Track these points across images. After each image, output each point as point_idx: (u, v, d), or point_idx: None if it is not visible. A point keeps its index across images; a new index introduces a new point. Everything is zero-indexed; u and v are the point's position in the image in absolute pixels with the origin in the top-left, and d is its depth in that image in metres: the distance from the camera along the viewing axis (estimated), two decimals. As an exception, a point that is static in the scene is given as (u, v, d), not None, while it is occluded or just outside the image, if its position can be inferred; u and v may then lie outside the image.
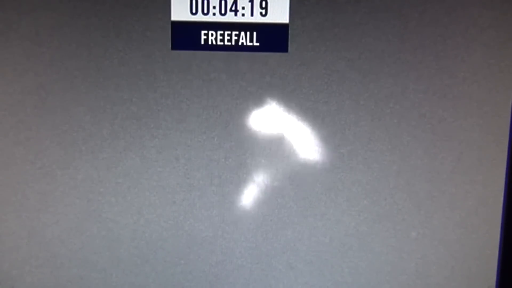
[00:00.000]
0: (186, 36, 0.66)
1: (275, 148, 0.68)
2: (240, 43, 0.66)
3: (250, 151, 0.68)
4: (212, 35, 0.66)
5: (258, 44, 0.66)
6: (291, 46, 0.66)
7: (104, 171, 0.68)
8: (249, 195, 0.69)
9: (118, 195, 0.69)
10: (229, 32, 0.66)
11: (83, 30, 0.65)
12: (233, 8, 0.65)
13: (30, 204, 0.69)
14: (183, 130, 0.68)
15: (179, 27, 0.65)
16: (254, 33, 0.66)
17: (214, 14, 0.66)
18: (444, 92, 0.67)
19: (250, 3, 0.65)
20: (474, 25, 0.65)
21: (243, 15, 0.66)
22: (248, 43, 0.66)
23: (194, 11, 0.66)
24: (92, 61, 0.66)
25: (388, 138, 0.68)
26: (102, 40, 0.66)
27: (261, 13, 0.66)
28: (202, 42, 0.66)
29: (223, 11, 0.66)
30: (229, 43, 0.66)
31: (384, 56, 0.66)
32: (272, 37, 0.65)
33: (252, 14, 0.66)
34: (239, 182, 0.69)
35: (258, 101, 0.67)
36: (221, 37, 0.66)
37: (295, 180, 0.69)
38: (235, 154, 0.68)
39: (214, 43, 0.66)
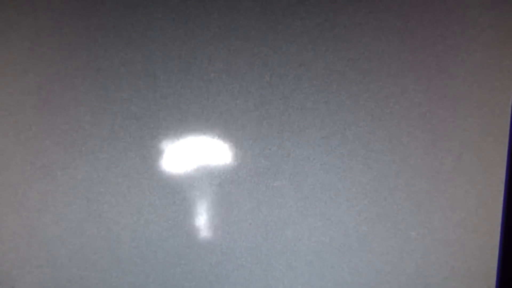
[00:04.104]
0: None
1: (275, 149, 0.68)
2: None
3: (250, 151, 0.68)
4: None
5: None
6: (291, 46, 0.66)
7: (104, 171, 0.68)
8: (249, 195, 0.69)
9: (118, 195, 0.69)
10: None
11: (83, 30, 0.65)
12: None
13: (30, 204, 0.69)
14: (183, 130, 0.68)
15: None
16: None
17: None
18: (444, 92, 0.67)
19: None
20: (474, 25, 0.65)
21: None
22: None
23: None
24: (92, 61, 0.66)
25: (388, 138, 0.68)
26: (102, 40, 0.66)
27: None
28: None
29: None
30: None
31: (384, 56, 0.66)
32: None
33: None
34: (239, 182, 0.69)
35: (258, 101, 0.67)
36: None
37: (295, 180, 0.68)
38: (235, 154, 0.68)
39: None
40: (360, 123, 0.67)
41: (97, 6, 0.65)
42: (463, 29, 0.65)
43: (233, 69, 0.66)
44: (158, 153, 0.68)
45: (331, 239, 0.70)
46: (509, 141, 0.67)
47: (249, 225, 0.70)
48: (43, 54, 0.65)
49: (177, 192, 0.69)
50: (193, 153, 0.68)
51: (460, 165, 0.68)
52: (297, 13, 0.65)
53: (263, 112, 0.67)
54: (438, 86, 0.67)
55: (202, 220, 0.69)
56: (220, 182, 0.69)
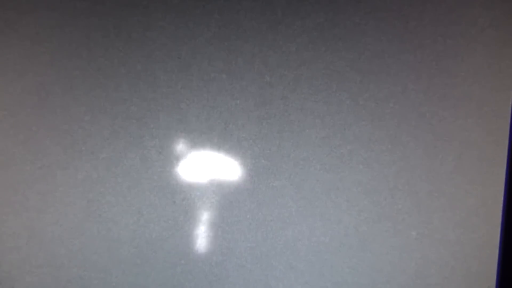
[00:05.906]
0: None
1: (275, 149, 0.68)
2: None
3: (250, 151, 0.68)
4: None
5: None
6: (291, 46, 0.66)
7: (104, 171, 0.68)
8: (249, 195, 0.69)
9: (118, 195, 0.69)
10: None
11: (83, 30, 0.65)
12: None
13: (30, 204, 0.69)
14: (183, 130, 0.68)
15: None
16: None
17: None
18: (444, 92, 0.67)
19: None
20: (474, 25, 0.65)
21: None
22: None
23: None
24: (92, 61, 0.66)
25: (388, 138, 0.68)
26: (102, 40, 0.66)
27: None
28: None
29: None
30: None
31: (384, 56, 0.66)
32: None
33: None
34: (239, 182, 0.69)
35: (258, 101, 0.67)
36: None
37: (295, 180, 0.68)
38: (235, 154, 0.68)
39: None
40: (360, 123, 0.67)
41: (97, 6, 0.65)
42: (463, 29, 0.65)
43: (233, 69, 0.66)
44: (158, 153, 0.68)
45: (331, 239, 0.70)
46: (509, 141, 0.67)
47: (249, 225, 0.70)
48: (43, 54, 0.65)
49: (177, 192, 0.69)
50: (193, 153, 0.68)
51: (460, 165, 0.68)
52: (297, 13, 0.65)
53: (263, 112, 0.67)
54: (438, 86, 0.67)
55: (202, 220, 0.69)
56: (220, 182, 0.69)
